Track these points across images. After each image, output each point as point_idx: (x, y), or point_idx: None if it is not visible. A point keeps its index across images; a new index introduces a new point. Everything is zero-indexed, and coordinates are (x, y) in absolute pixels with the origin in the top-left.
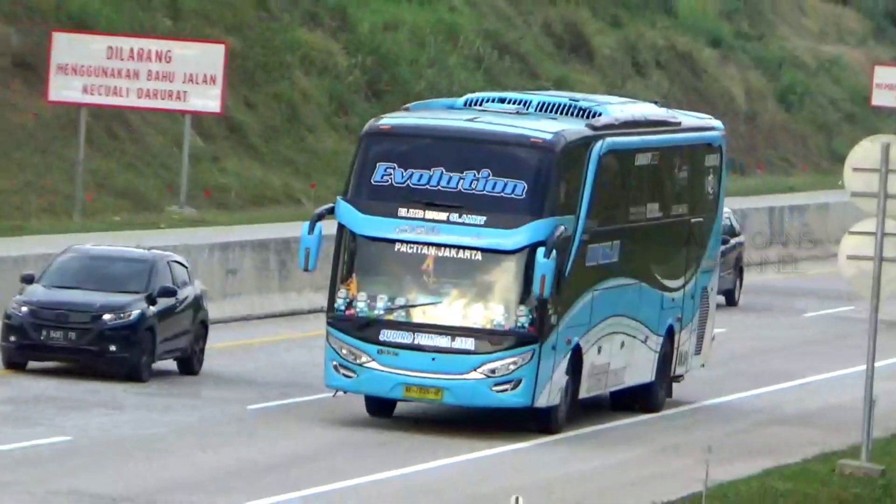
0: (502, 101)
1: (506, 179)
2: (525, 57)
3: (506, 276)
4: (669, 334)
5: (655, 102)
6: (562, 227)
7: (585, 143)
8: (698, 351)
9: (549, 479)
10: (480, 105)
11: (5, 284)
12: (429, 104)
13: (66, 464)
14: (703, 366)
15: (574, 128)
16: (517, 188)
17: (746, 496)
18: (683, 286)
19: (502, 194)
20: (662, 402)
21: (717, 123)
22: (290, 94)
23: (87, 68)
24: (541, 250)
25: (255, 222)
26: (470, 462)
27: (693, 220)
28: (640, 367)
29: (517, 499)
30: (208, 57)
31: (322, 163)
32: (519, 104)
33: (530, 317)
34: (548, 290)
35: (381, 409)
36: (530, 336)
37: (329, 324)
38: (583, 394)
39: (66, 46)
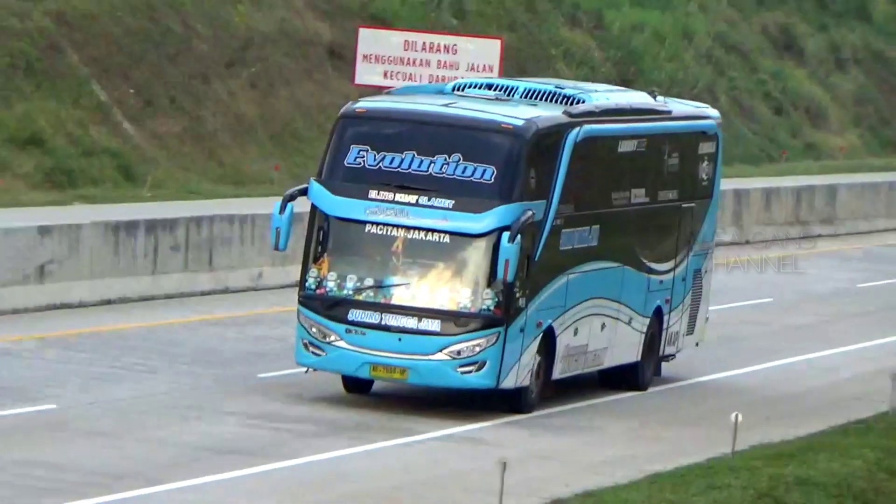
0: (489, 87)
1: (475, 164)
2: (747, 54)
3: (472, 260)
4: (658, 316)
5: (651, 93)
6: (529, 212)
7: (560, 130)
8: (691, 331)
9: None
10: (463, 90)
11: None
12: (417, 88)
13: None
14: (697, 345)
15: (548, 114)
16: (486, 173)
17: None
18: (673, 269)
19: (471, 179)
20: (649, 380)
21: (713, 112)
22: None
23: (387, 58)
24: (505, 235)
25: None
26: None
27: (684, 206)
28: (623, 348)
29: (737, 415)
30: (486, 50)
31: None
32: (503, 91)
33: (496, 300)
34: (511, 273)
35: (357, 387)
36: (496, 319)
37: (300, 302)
38: (557, 375)
39: (370, 39)
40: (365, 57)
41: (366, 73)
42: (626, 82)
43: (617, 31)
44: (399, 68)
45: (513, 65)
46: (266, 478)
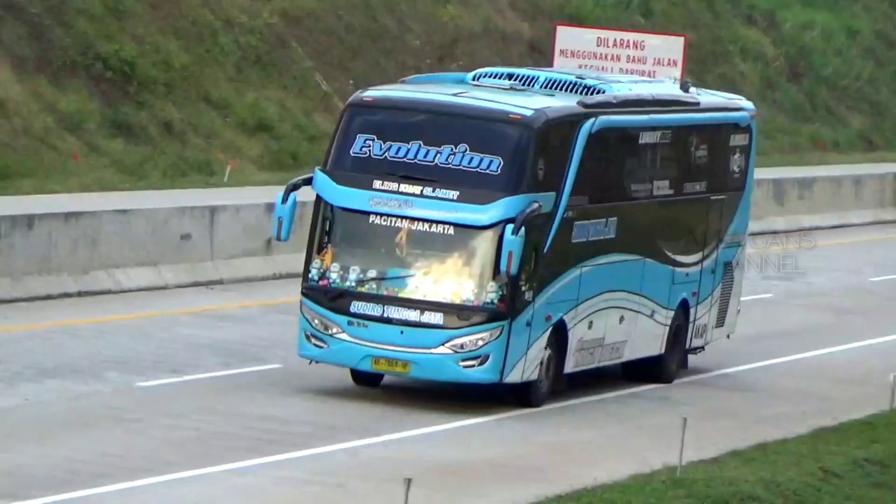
0: (509, 76)
1: (482, 155)
2: None
3: (477, 252)
4: (684, 308)
5: (685, 84)
6: (535, 205)
7: (573, 120)
8: (720, 323)
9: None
10: (478, 80)
11: None
12: (436, 77)
13: None
14: (728, 337)
15: (560, 104)
16: (493, 164)
17: None
18: (701, 261)
19: (477, 169)
20: (674, 373)
21: (747, 104)
22: (732, 74)
23: (581, 53)
24: (509, 227)
25: None
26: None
27: (713, 198)
28: (644, 341)
29: (895, 376)
30: (671, 46)
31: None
32: (523, 80)
33: (500, 293)
34: (515, 266)
35: (367, 380)
36: (499, 312)
37: (303, 294)
38: (570, 368)
39: (567, 36)
40: (561, 52)
41: (562, 67)
42: (796, 76)
43: (788, 29)
44: (592, 62)
45: (695, 60)
46: (459, 433)
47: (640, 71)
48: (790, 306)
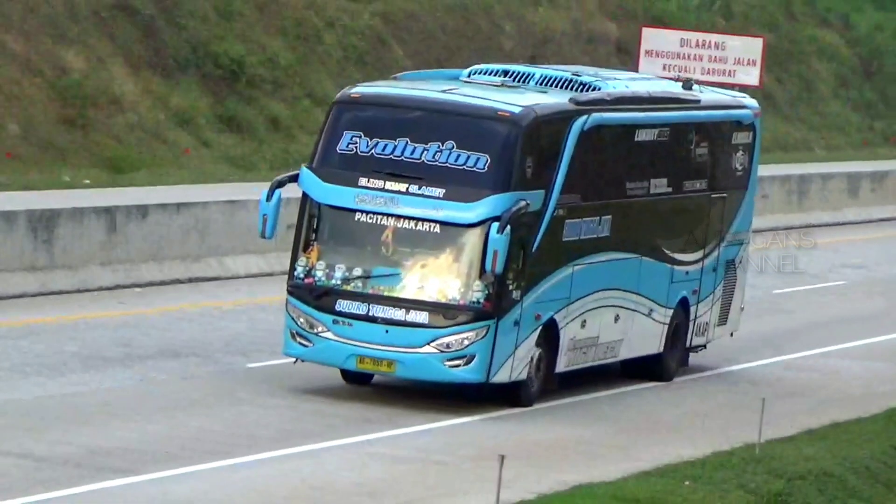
0: (505, 73)
1: (469, 152)
2: None
3: (463, 250)
4: (684, 307)
5: (687, 81)
6: (522, 203)
7: (563, 118)
8: (723, 322)
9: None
10: (473, 77)
11: None
12: (430, 74)
13: None
14: (731, 335)
15: (550, 101)
16: (480, 161)
17: None
18: (702, 259)
19: (464, 167)
20: (674, 371)
21: (750, 102)
22: (807, 73)
23: (666, 53)
24: (494, 225)
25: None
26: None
27: (714, 196)
28: (642, 340)
29: None
30: (751, 46)
31: (829, 122)
32: (518, 77)
33: (486, 292)
34: (500, 265)
35: (357, 378)
36: (485, 311)
37: (288, 292)
38: (561, 368)
39: (652, 37)
40: (647, 52)
41: (647, 67)
42: (869, 75)
43: (862, 31)
44: (676, 62)
45: (773, 60)
46: (545, 413)
47: (720, 70)
48: (862, 293)
